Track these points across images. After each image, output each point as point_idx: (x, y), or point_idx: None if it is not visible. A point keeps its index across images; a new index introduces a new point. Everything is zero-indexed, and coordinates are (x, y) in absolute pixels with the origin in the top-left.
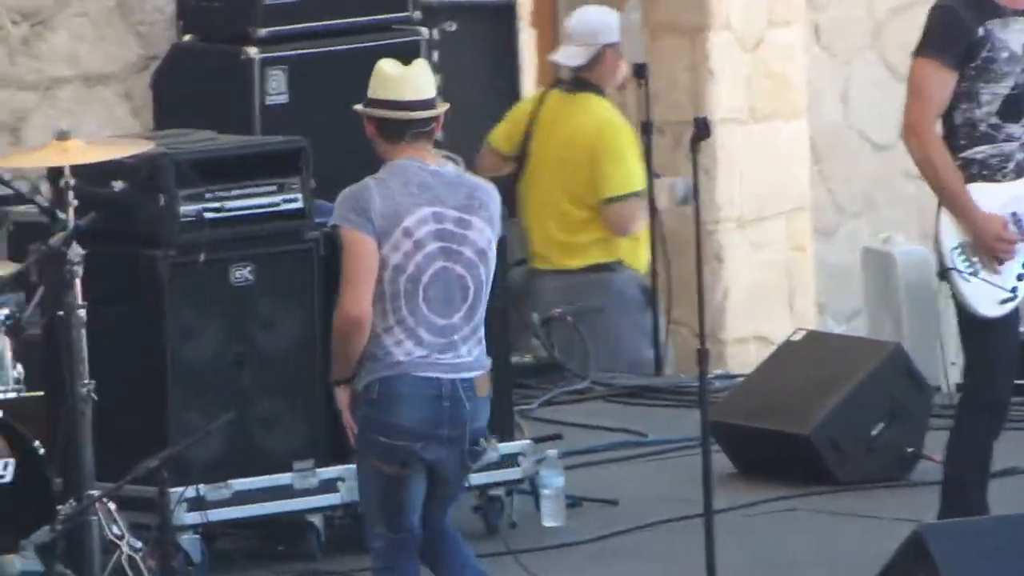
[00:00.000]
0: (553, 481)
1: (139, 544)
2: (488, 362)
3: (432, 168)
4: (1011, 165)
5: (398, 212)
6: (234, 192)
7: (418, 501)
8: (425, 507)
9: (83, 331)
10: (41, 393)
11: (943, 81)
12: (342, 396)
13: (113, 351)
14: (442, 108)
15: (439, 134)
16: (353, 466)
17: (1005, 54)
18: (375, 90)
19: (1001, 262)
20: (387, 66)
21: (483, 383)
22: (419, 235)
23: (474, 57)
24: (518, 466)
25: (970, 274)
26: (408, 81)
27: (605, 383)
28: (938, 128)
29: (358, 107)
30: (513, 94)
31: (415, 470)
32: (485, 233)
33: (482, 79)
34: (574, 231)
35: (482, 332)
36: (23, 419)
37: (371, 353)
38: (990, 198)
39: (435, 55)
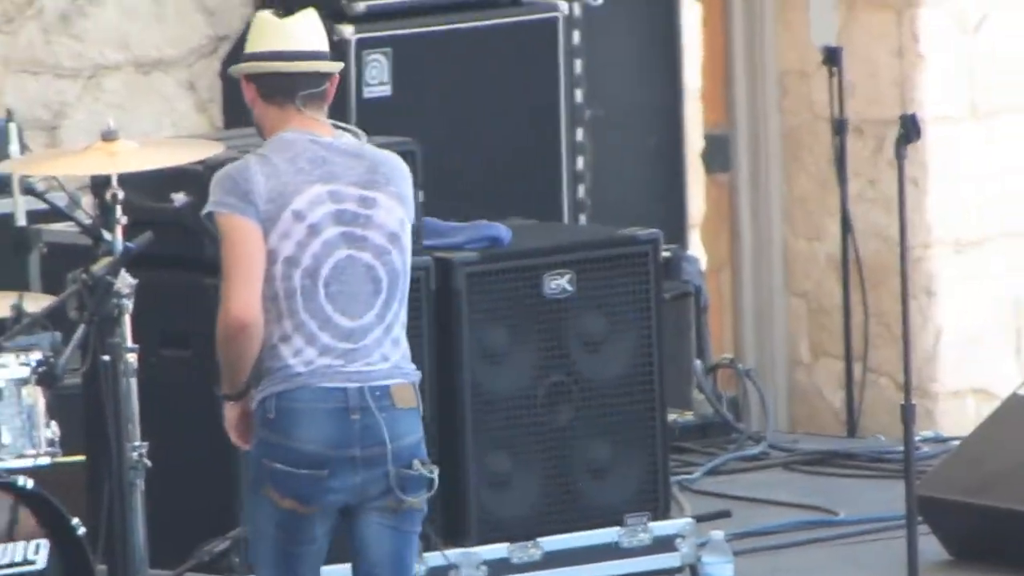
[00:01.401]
0: (720, 570)
1: None
2: (412, 371)
3: (326, 140)
4: None
5: (284, 193)
6: None
7: (321, 556)
8: (366, 566)
9: (133, 380)
10: (81, 458)
11: None
12: (230, 415)
13: (172, 404)
14: (336, 65)
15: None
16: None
17: None
18: (252, 43)
19: None
20: (267, 15)
21: (403, 393)
22: (313, 219)
23: (625, 39)
24: (676, 551)
25: None
26: (293, 29)
27: (785, 447)
28: None
29: (233, 68)
30: (673, 84)
31: (321, 508)
32: (395, 212)
33: (635, 65)
34: None
35: (401, 333)
36: (59, 490)
37: (267, 367)
38: None
39: (576, 36)
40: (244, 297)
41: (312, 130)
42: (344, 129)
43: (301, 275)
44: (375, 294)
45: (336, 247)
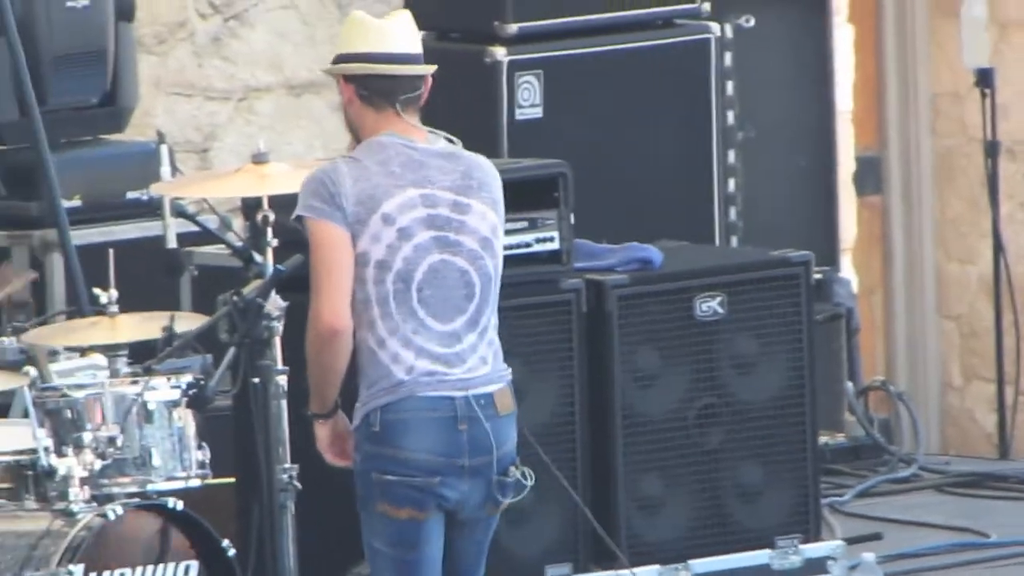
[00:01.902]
0: None
1: None
2: (507, 370)
3: (420, 144)
4: None
5: (375, 196)
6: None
7: (438, 557)
8: (449, 570)
9: (284, 402)
10: (231, 480)
11: None
12: (321, 434)
13: None
14: (431, 68)
15: None
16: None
17: None
18: (351, 43)
19: None
20: (363, 15)
21: (504, 399)
22: (403, 223)
23: (777, 60)
24: (827, 573)
25: None
26: (393, 31)
27: (936, 469)
28: None
29: (328, 67)
30: (824, 105)
31: (432, 514)
32: (488, 218)
33: (787, 87)
34: None
35: (494, 335)
36: (209, 512)
37: (365, 375)
38: None
39: (728, 57)
40: (334, 304)
41: (407, 134)
42: (439, 134)
43: (393, 279)
44: (468, 299)
45: (429, 251)
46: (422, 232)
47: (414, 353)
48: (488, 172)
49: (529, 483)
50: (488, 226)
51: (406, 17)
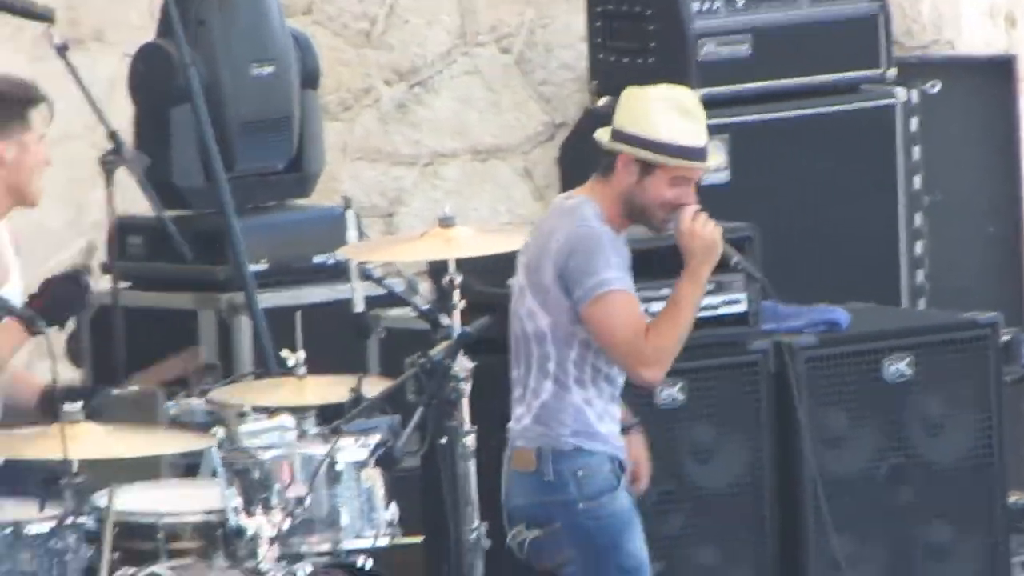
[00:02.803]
0: None
1: None
2: (545, 435)
3: None
4: None
5: None
6: (662, 291)
7: None
8: None
9: (472, 463)
10: (420, 539)
11: None
12: None
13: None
14: (710, 164)
15: None
16: None
17: None
18: (654, 125)
19: None
20: (663, 95)
21: (522, 456)
22: None
23: (963, 125)
24: None
25: None
26: (699, 125)
27: None
28: None
29: (630, 149)
30: (1012, 170)
31: None
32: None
33: (973, 151)
34: None
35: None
36: (398, 571)
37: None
38: None
39: (914, 122)
40: None
41: None
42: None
43: None
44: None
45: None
46: None
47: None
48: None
49: (523, 553)
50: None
51: (694, 100)
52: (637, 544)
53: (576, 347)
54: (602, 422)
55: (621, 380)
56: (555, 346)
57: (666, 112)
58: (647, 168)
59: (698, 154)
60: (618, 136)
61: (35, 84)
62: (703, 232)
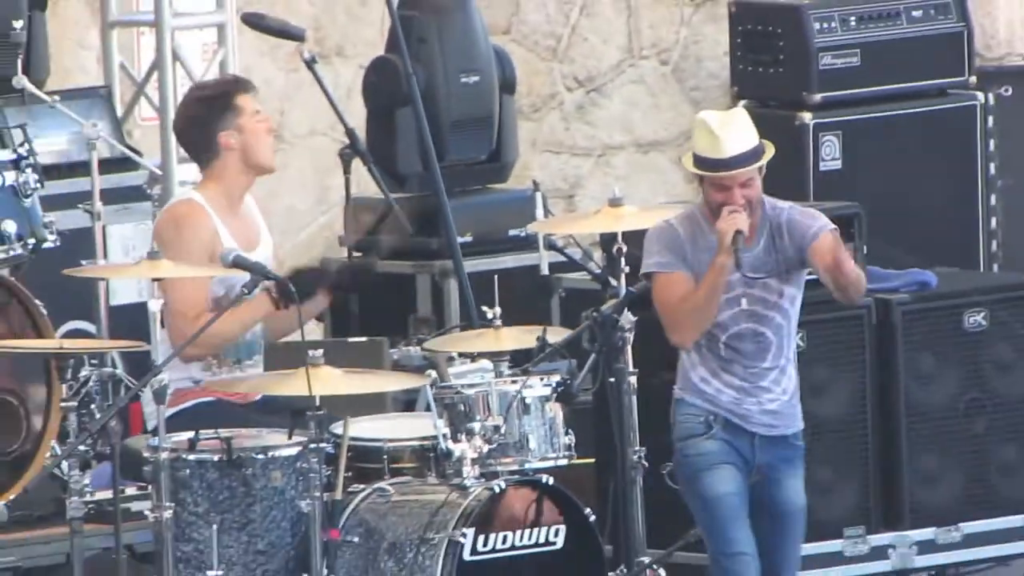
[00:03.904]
0: None
1: None
2: None
3: None
4: None
5: None
6: None
7: None
8: None
9: (634, 398)
10: (592, 460)
11: None
12: None
13: (664, 415)
14: (748, 169)
15: None
16: None
17: None
18: (696, 143)
19: None
20: (705, 120)
21: None
22: None
23: None
24: None
25: None
26: (725, 139)
27: None
28: None
29: (685, 162)
30: None
31: None
32: None
33: None
34: None
35: None
36: (574, 486)
37: None
38: None
39: (990, 121)
40: None
41: None
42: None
43: None
44: None
45: None
46: None
47: None
48: None
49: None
50: None
51: (740, 117)
52: (714, 482)
53: None
54: (704, 381)
55: (727, 350)
56: None
57: (699, 132)
58: (699, 177)
59: (718, 165)
60: None
61: (234, 76)
62: (719, 226)
